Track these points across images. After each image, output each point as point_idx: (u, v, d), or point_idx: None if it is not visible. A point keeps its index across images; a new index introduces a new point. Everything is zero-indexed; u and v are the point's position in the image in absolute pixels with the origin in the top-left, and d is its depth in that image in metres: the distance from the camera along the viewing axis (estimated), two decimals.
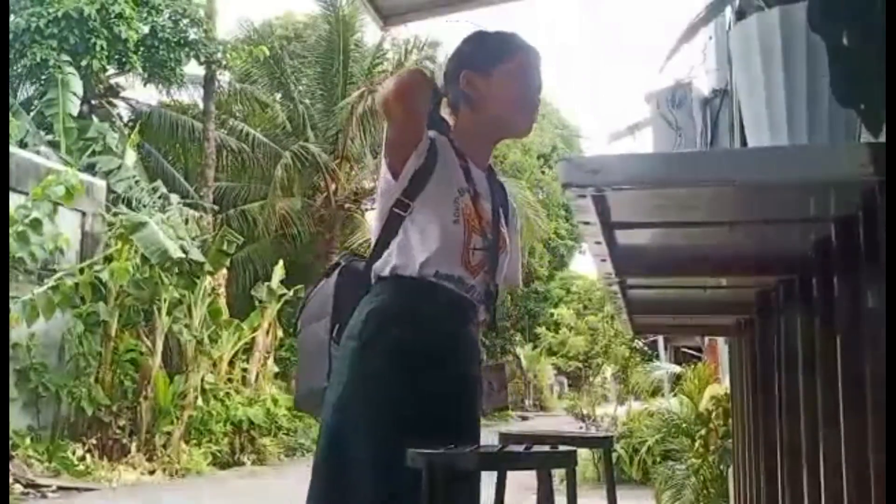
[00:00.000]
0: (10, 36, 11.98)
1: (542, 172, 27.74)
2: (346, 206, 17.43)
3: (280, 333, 12.10)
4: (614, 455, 5.48)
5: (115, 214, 9.94)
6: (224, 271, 11.34)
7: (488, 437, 2.16)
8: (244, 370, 11.61)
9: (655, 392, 12.49)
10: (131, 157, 12.22)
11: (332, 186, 17.06)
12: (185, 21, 14.12)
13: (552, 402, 27.82)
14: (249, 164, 16.97)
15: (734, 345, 3.38)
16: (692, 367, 7.95)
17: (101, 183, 10.38)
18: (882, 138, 0.98)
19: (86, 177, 9.95)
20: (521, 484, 3.12)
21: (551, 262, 28.65)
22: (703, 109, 3.87)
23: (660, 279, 1.94)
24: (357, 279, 1.90)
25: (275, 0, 21.84)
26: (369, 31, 17.60)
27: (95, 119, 12.94)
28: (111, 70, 14.42)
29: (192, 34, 14.18)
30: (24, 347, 8.46)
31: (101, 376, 9.16)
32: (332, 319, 1.91)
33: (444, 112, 1.99)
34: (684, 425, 6.92)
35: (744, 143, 1.73)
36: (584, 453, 5.95)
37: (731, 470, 4.14)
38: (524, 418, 23.06)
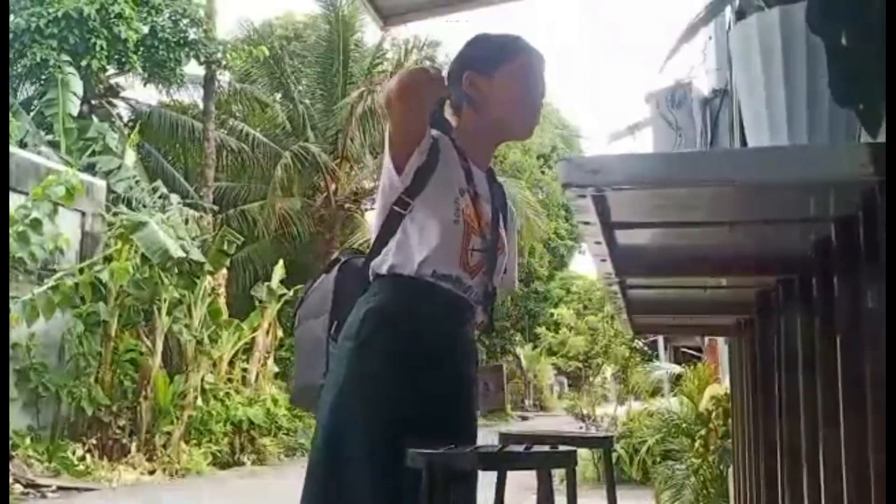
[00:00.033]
0: (10, 36, 11.99)
1: (542, 172, 27.75)
2: (346, 206, 17.43)
3: (280, 333, 12.11)
4: (614, 455, 5.47)
5: (115, 214, 9.94)
6: (224, 271, 11.35)
7: (488, 437, 2.16)
8: (244, 370, 11.61)
9: (655, 392, 12.49)
10: (131, 157, 12.23)
11: (332, 186, 17.07)
12: (185, 21, 14.13)
13: (552, 402, 27.85)
14: (249, 164, 16.98)
15: (734, 345, 3.38)
16: (692, 367, 7.94)
17: (101, 183, 10.38)
18: (880, 138, 0.98)
19: (86, 177, 9.96)
20: (521, 484, 3.12)
21: (551, 262, 28.67)
22: (703, 109, 3.87)
23: (660, 279, 1.94)
24: (357, 276, 1.90)
25: (275, 0, 21.86)
26: (369, 31, 17.63)
27: (95, 119, 12.95)
28: (111, 70, 14.43)
29: (192, 34, 14.18)
30: (24, 347, 8.46)
31: (101, 376, 9.16)
32: (331, 316, 1.91)
33: (447, 113, 2.00)
34: (684, 425, 6.92)
35: (744, 143, 1.73)
36: (584, 453, 5.95)
37: (730, 470, 4.14)
38: (524, 418, 23.08)
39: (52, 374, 8.69)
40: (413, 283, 1.80)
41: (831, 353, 1.34)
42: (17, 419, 8.25)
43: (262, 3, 21.38)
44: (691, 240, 1.59)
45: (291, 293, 11.50)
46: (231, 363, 11.31)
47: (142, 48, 13.50)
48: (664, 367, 11.22)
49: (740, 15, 1.45)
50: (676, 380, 9.35)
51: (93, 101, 14.34)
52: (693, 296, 2.28)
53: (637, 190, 1.12)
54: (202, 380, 10.11)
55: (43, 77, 12.69)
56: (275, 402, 11.47)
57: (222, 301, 11.18)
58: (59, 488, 7.56)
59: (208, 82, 15.09)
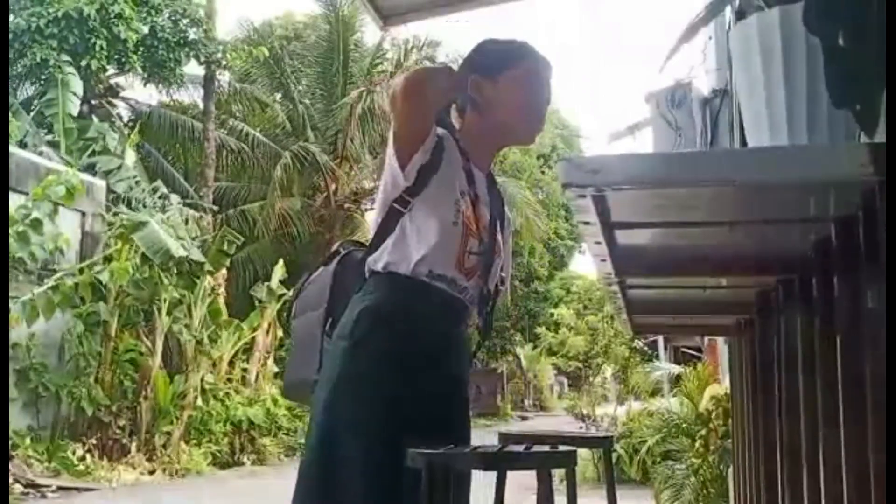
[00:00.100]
0: (10, 36, 11.99)
1: (542, 172, 27.73)
2: (346, 206, 17.43)
3: (280, 333, 12.08)
4: (614, 455, 5.47)
5: (116, 214, 9.95)
6: (224, 271, 11.35)
7: (488, 437, 2.16)
8: (244, 370, 11.61)
9: (655, 392, 12.50)
10: (131, 157, 12.23)
11: (332, 186, 17.07)
12: (185, 21, 14.13)
13: (552, 402, 27.86)
14: (249, 164, 16.98)
15: (734, 345, 3.38)
16: (692, 367, 7.94)
17: (101, 183, 10.39)
18: (878, 138, 0.98)
19: (86, 177, 9.96)
20: (521, 484, 3.12)
21: (551, 262, 28.64)
22: (703, 109, 3.86)
23: (660, 279, 1.94)
24: (355, 270, 1.89)
25: (275, 0, 21.86)
26: (369, 31, 17.62)
27: (95, 119, 12.95)
28: (111, 70, 14.43)
29: (192, 34, 14.19)
30: (24, 347, 8.47)
31: (101, 376, 9.16)
32: (327, 310, 1.91)
33: (452, 116, 2.00)
34: (684, 425, 6.92)
35: (744, 143, 1.73)
36: (584, 453, 5.95)
37: (730, 470, 4.14)
38: (524, 418, 23.09)
39: (52, 374, 8.70)
40: (408, 282, 1.80)
41: (831, 354, 1.34)
42: (17, 419, 8.26)
43: (262, 3, 21.40)
44: (691, 240, 1.59)
45: (291, 293, 11.46)
46: (231, 363, 11.31)
47: (142, 48, 13.51)
48: (664, 368, 11.22)
49: (740, 15, 1.45)
50: (676, 380, 9.35)
51: (93, 101, 14.34)
52: (693, 296, 2.28)
53: (637, 190, 1.12)
54: (202, 380, 10.12)
55: (43, 77, 12.69)
56: (275, 402, 11.46)
57: (222, 301, 11.19)
58: (59, 488, 7.57)
59: (208, 82, 15.10)
